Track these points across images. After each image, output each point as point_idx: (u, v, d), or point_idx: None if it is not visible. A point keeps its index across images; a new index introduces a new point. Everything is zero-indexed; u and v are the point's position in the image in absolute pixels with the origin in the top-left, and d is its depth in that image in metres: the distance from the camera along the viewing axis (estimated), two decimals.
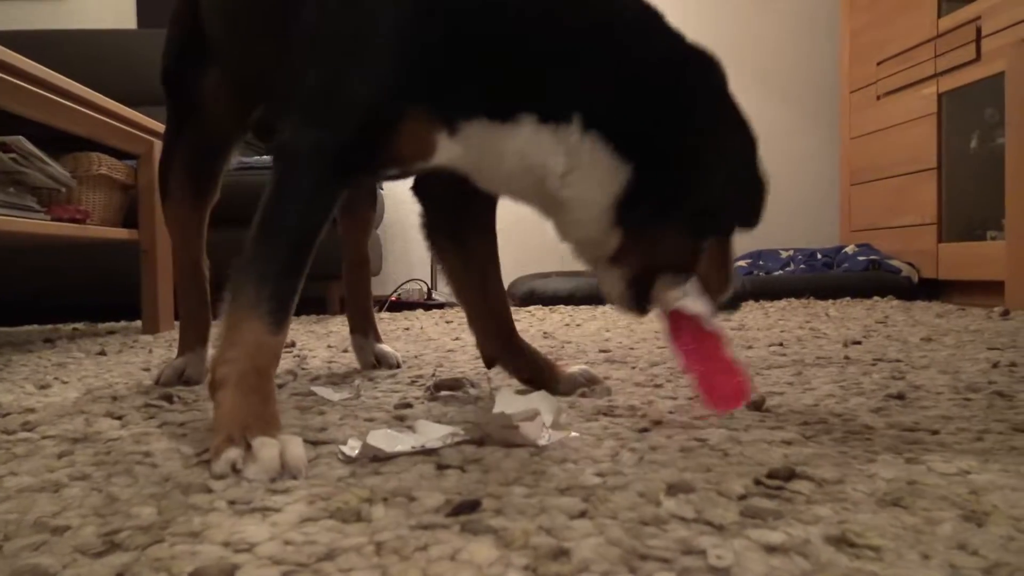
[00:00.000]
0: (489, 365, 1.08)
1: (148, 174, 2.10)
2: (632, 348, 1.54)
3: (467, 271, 1.04)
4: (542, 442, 0.72)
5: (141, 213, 2.16)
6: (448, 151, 0.79)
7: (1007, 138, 2.46)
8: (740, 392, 0.82)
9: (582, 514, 0.53)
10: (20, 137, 1.81)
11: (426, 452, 0.69)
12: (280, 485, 0.60)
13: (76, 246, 2.21)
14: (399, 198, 3.65)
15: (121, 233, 2.15)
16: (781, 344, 1.54)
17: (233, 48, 1.08)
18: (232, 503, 0.56)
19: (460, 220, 1.02)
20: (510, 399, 0.76)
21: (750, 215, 0.85)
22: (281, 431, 0.68)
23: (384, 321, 2.40)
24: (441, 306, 3.05)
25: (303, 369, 1.32)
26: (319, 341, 1.80)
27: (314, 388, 1.06)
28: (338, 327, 2.13)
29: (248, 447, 0.64)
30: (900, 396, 0.95)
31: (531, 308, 2.80)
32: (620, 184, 0.80)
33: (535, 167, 0.80)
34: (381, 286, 3.36)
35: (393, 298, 3.09)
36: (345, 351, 1.54)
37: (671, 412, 0.89)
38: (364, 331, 1.35)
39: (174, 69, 1.20)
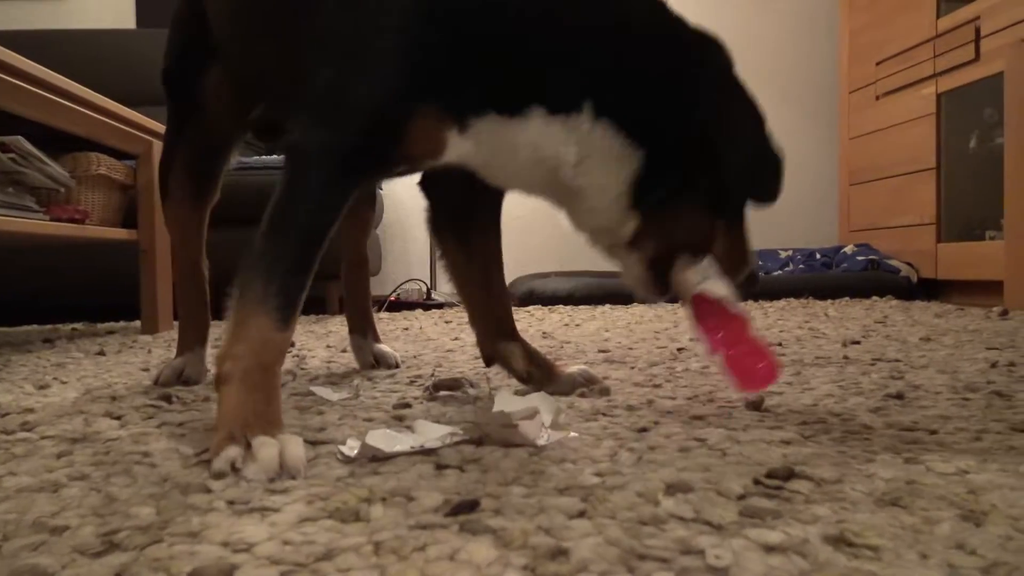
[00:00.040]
0: (488, 363, 1.08)
1: (147, 174, 2.10)
2: (631, 348, 1.54)
3: (470, 267, 1.04)
4: (541, 442, 0.72)
5: (140, 213, 2.16)
6: (458, 148, 0.80)
7: (1006, 138, 2.46)
8: (771, 372, 0.83)
9: (581, 514, 0.53)
10: (19, 137, 1.81)
11: (425, 452, 0.69)
12: (279, 485, 0.60)
13: (75, 246, 2.21)
14: (398, 198, 3.65)
15: (120, 233, 2.15)
16: (780, 344, 1.54)
17: (238, 48, 1.08)
18: (231, 503, 0.56)
19: (466, 216, 1.03)
20: (509, 399, 0.76)
21: (767, 190, 0.85)
22: (282, 430, 0.68)
23: (383, 321, 2.40)
24: (440, 306, 3.05)
25: (302, 369, 1.32)
26: (318, 341, 1.80)
27: (313, 388, 1.06)
28: (337, 327, 2.13)
29: (248, 446, 0.64)
30: (899, 396, 0.95)
31: (530, 308, 2.80)
32: (634, 168, 0.81)
33: (547, 158, 0.81)
34: (380, 286, 3.36)
35: (392, 298, 3.09)
36: (344, 351, 1.54)
37: (669, 412, 0.89)
38: (363, 331, 1.35)
39: (175, 69, 1.20)
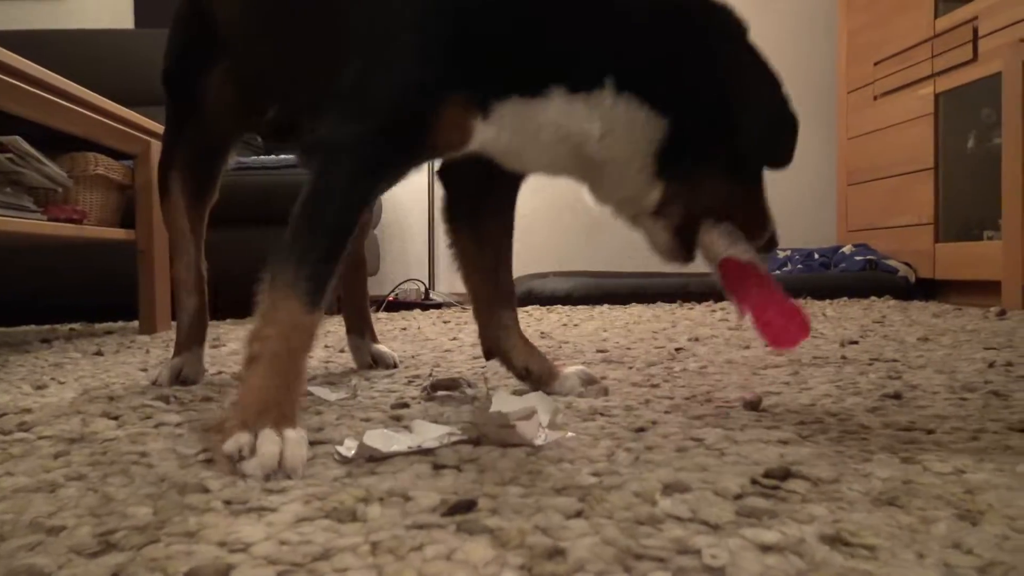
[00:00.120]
0: (488, 357, 1.07)
1: (145, 174, 2.10)
2: (629, 348, 1.54)
3: (481, 258, 1.04)
4: (538, 442, 0.72)
5: (138, 213, 2.15)
6: (483, 134, 0.82)
7: (1003, 138, 2.46)
8: (803, 329, 0.84)
9: (578, 514, 0.53)
10: (17, 137, 1.81)
11: (422, 452, 0.69)
12: (276, 485, 0.60)
13: (73, 246, 2.21)
14: (397, 199, 3.65)
15: (118, 233, 2.14)
16: None
17: (251, 47, 1.08)
18: (228, 503, 0.56)
19: (481, 205, 1.04)
20: (507, 399, 0.76)
21: (782, 153, 0.86)
22: (294, 424, 0.68)
23: (381, 321, 2.40)
24: (438, 306, 3.05)
25: None
26: (316, 341, 1.79)
27: (311, 388, 1.06)
28: (335, 327, 2.13)
29: (256, 436, 0.65)
30: (896, 396, 0.95)
31: (529, 308, 2.80)
32: (657, 138, 0.83)
33: (572, 135, 0.82)
34: (379, 286, 3.36)
35: (390, 298, 3.09)
36: (342, 351, 1.54)
37: (667, 412, 0.89)
38: (360, 331, 1.35)
39: (176, 69, 1.20)
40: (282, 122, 1.09)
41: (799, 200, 3.70)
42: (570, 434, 0.76)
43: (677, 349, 1.50)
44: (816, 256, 3.37)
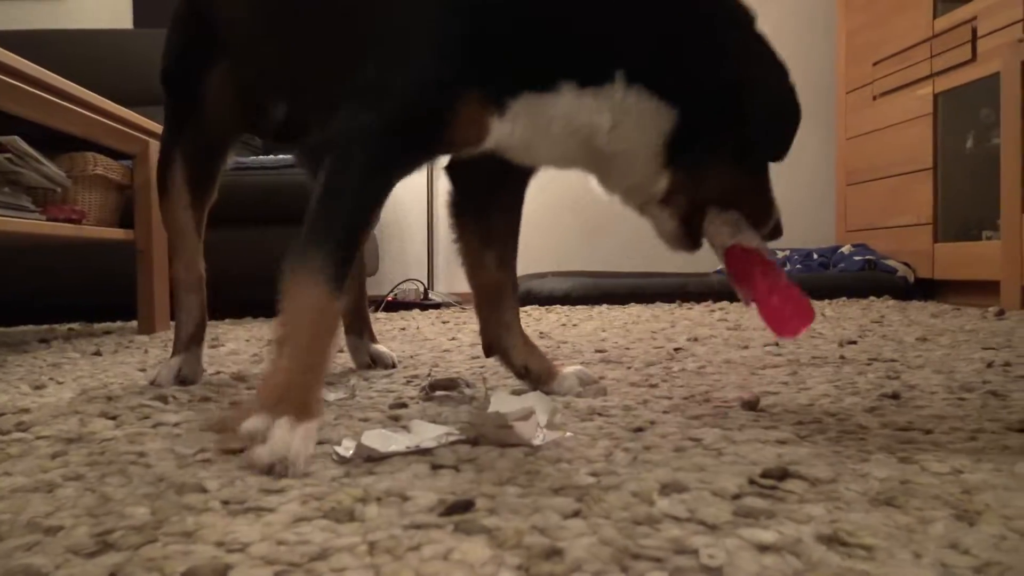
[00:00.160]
0: (488, 353, 1.07)
1: (144, 174, 2.10)
2: (628, 348, 1.54)
3: (486, 254, 1.04)
4: (536, 442, 0.72)
5: (137, 213, 2.15)
6: (498, 131, 0.82)
7: (1002, 138, 2.46)
8: (809, 314, 0.84)
9: (576, 514, 0.53)
10: (15, 137, 1.81)
11: (420, 452, 0.69)
12: (274, 485, 0.60)
13: (72, 246, 2.21)
14: (397, 199, 3.65)
15: (117, 233, 2.14)
16: (777, 344, 1.54)
17: (258, 46, 1.08)
18: (226, 503, 0.56)
19: (488, 201, 1.04)
20: (505, 399, 0.76)
21: (781, 145, 0.87)
22: (312, 415, 0.69)
23: (380, 321, 2.40)
24: (437, 306, 3.05)
25: None
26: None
27: None
28: None
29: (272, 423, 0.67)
30: (895, 396, 0.95)
31: (528, 308, 2.80)
32: (666, 129, 0.83)
33: (582, 128, 0.83)
34: (378, 286, 3.36)
35: (389, 298, 3.09)
36: (340, 351, 1.54)
37: (665, 412, 0.89)
38: (359, 331, 1.35)
39: (175, 68, 1.20)
40: (290, 122, 1.09)
41: (798, 200, 3.70)
42: (568, 434, 0.76)
43: (676, 349, 1.50)
44: (815, 256, 3.37)
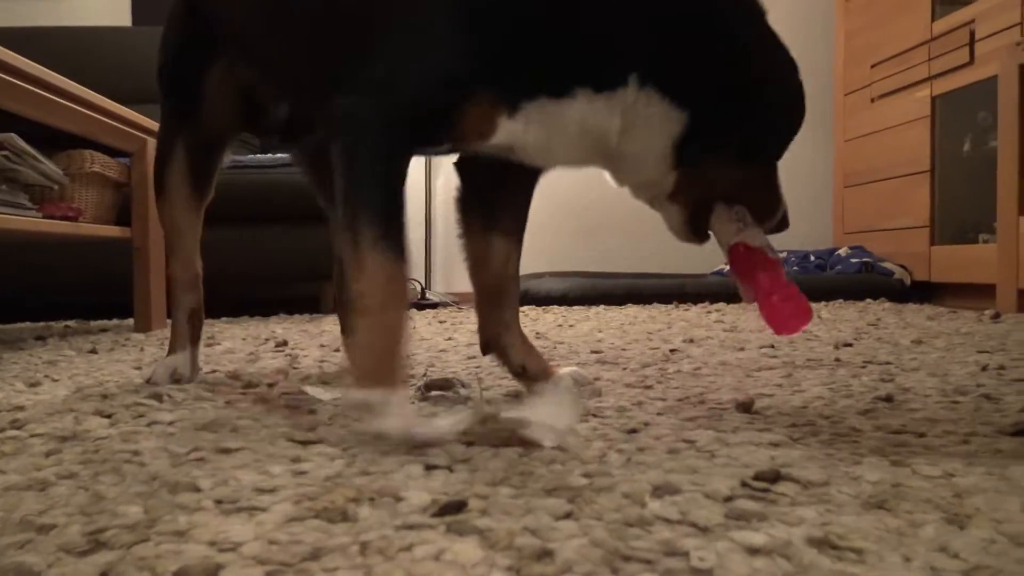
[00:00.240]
0: (485, 351, 1.07)
1: (141, 172, 2.10)
2: (624, 349, 1.54)
3: (490, 251, 1.04)
4: (548, 443, 0.72)
5: (134, 211, 2.15)
6: (507, 130, 0.83)
7: (999, 141, 2.47)
8: (807, 314, 0.86)
9: (567, 515, 0.53)
10: (12, 134, 1.81)
11: (415, 452, 0.70)
12: (267, 484, 0.60)
13: (69, 244, 2.21)
14: None
15: (114, 231, 2.14)
16: (772, 346, 1.54)
17: (263, 44, 1.08)
18: (218, 502, 0.56)
19: (496, 197, 1.04)
20: (539, 402, 0.81)
21: (785, 144, 0.88)
22: (397, 384, 0.77)
23: None
24: (434, 306, 3.05)
25: (295, 368, 1.32)
26: (311, 340, 1.80)
27: (305, 387, 1.06)
28: (330, 326, 2.13)
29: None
30: (888, 399, 0.96)
31: (525, 308, 2.80)
32: (677, 129, 0.84)
33: (593, 130, 0.84)
34: None
35: None
36: (337, 350, 1.54)
37: (660, 414, 0.89)
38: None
39: (172, 67, 1.20)
40: (293, 120, 1.09)
41: (795, 202, 3.64)
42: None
43: (672, 350, 1.51)
44: (812, 258, 3.38)
